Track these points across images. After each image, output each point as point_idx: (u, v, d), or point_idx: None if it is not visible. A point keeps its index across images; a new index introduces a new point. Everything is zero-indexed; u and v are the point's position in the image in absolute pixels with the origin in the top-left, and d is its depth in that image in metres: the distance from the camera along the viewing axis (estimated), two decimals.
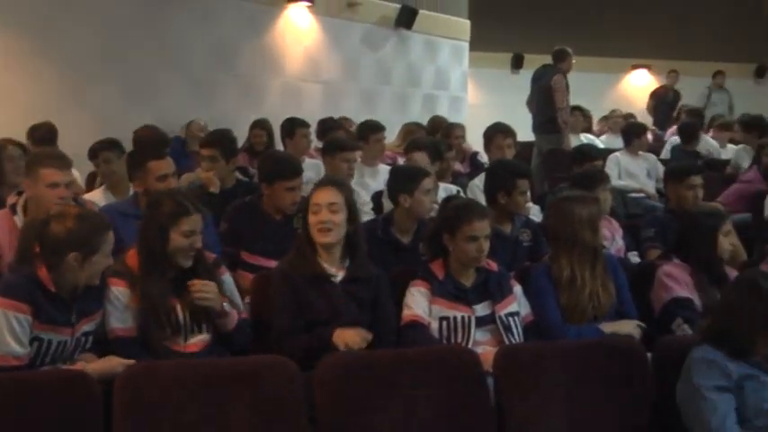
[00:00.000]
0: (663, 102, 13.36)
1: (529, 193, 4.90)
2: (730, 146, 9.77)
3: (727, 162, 8.70)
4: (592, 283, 3.78)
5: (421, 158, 5.54)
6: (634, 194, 7.52)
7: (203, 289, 3.41)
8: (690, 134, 8.95)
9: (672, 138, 10.06)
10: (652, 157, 8.08)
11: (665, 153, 9.19)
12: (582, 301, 3.76)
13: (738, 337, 3.05)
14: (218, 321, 3.47)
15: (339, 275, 3.64)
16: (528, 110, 9.23)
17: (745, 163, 8.02)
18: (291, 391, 3.00)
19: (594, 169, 5.23)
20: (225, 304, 3.47)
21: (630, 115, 12.20)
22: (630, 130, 8.17)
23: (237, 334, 3.52)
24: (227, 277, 3.70)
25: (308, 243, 3.65)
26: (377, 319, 3.65)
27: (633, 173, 7.73)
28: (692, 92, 13.69)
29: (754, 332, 3.03)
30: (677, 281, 3.93)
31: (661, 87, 13.95)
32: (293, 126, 7.04)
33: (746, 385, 2.99)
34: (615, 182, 7.16)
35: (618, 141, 9.85)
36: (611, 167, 7.60)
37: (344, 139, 6.14)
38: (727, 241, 4.04)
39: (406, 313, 3.64)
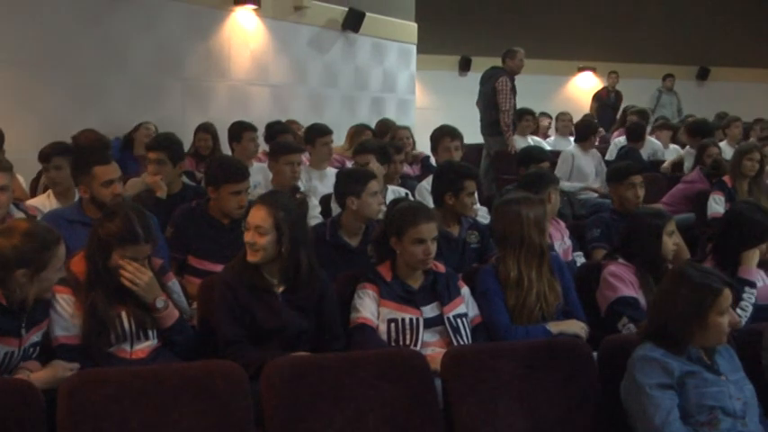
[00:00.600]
0: (605, 104, 13.60)
1: (476, 195, 4.93)
2: (673, 146, 9.94)
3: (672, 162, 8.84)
4: (538, 283, 3.83)
5: (369, 161, 5.57)
6: (581, 195, 7.62)
7: (134, 273, 3.38)
8: (638, 134, 9.11)
9: (616, 139, 10.21)
10: (598, 154, 8.21)
11: (610, 154, 9.33)
12: (529, 302, 3.80)
13: (674, 331, 3.11)
14: (155, 317, 3.44)
15: (280, 286, 3.61)
16: (478, 110, 9.28)
17: (690, 164, 8.20)
18: (239, 397, 2.98)
19: (542, 171, 5.28)
20: (161, 300, 3.44)
21: (590, 116, 12.35)
22: (587, 127, 8.30)
23: (176, 333, 3.48)
24: (173, 283, 3.68)
25: None
26: (322, 325, 3.63)
27: (584, 171, 7.84)
28: (637, 94, 13.90)
29: (689, 323, 3.09)
30: (622, 280, 4.00)
31: (603, 89, 14.20)
32: (240, 130, 7.01)
33: (688, 382, 3.05)
34: (562, 183, 7.24)
35: (565, 144, 10.00)
36: (564, 164, 7.70)
37: (287, 143, 6.09)
38: (671, 241, 4.12)
39: (355, 316, 3.65)
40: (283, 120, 8.39)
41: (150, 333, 3.43)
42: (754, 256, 4.17)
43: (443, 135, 6.44)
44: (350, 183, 4.53)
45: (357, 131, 7.98)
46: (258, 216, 3.57)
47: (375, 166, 5.50)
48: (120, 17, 8.00)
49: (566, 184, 7.38)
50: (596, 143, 8.72)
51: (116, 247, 3.36)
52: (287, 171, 5.56)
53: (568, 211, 6.26)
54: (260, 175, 6.16)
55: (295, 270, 3.58)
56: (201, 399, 2.95)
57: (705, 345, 3.16)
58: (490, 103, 8.89)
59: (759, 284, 4.18)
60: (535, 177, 5.00)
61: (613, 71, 14.28)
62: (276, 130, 7.44)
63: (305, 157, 6.41)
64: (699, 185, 7.03)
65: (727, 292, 3.11)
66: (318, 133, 6.66)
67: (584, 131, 8.19)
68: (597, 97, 14.03)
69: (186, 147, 6.70)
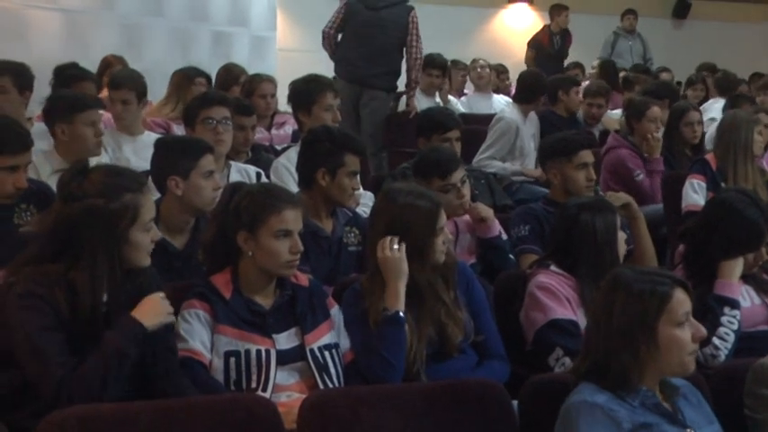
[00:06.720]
0: (546, 53, 13.63)
1: (358, 177, 4.95)
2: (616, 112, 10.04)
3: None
4: (419, 323, 3.88)
5: None
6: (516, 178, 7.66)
7: None
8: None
9: None
10: (537, 121, 8.16)
11: None
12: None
13: (618, 361, 3.17)
14: None
15: None
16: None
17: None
18: None
19: (444, 153, 5.32)
20: None
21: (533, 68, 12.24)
22: (536, 82, 8.30)
23: None
24: None
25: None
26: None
27: (525, 147, 7.79)
28: (587, 36, 14.14)
29: (634, 345, 3.15)
30: (556, 297, 4.11)
31: (543, 31, 14.14)
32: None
33: None
34: (493, 164, 7.34)
35: (484, 103, 10.08)
36: (504, 138, 7.56)
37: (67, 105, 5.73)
38: (623, 238, 4.27)
39: (178, 347, 3.65)
40: (82, 63, 8.23)
41: None
42: (736, 266, 4.29)
43: (323, 88, 6.30)
44: (174, 156, 4.51)
45: (182, 79, 7.84)
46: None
47: None
48: None
49: (497, 165, 7.44)
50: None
51: None
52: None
53: (488, 201, 6.36)
54: (44, 141, 6.04)
55: None
56: None
57: (664, 374, 3.25)
58: (395, 43, 8.63)
59: (745, 305, 4.32)
60: (428, 162, 5.10)
61: (560, 4, 14.31)
62: (69, 76, 7.31)
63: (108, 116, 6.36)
64: (620, 151, 7.23)
65: (682, 296, 3.19)
66: (129, 81, 6.59)
67: (532, 88, 8.20)
68: (535, 44, 13.81)
69: None
